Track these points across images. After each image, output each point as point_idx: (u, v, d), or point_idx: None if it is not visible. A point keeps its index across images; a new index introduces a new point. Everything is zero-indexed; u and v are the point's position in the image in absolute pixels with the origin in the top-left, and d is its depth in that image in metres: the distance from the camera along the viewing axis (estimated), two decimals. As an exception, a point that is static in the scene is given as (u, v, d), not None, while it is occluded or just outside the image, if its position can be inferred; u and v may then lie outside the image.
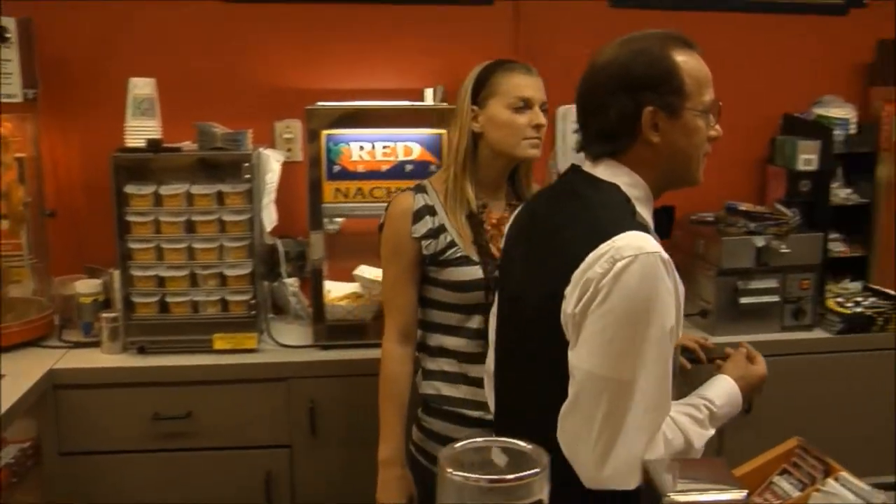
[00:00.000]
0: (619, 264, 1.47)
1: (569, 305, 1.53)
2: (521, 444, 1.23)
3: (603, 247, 1.50)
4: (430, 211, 2.19)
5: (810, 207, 3.09)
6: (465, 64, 3.20)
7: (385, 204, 2.27)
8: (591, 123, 1.67)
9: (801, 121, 3.26)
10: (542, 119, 2.17)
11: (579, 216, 1.62)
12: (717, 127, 1.66)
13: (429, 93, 3.01)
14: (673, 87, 1.59)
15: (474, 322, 2.19)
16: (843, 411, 2.94)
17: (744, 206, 3.17)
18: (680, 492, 1.25)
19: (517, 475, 1.18)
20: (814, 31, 3.41)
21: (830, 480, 1.51)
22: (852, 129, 3.28)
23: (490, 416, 1.98)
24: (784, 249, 2.89)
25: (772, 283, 2.93)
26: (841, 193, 3.30)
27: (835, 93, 3.34)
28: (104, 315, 2.74)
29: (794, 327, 2.96)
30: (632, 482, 1.48)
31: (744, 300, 2.93)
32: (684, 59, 1.61)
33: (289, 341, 2.82)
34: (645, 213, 1.65)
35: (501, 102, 2.15)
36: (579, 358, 1.53)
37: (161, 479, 2.67)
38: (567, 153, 3.18)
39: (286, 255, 2.94)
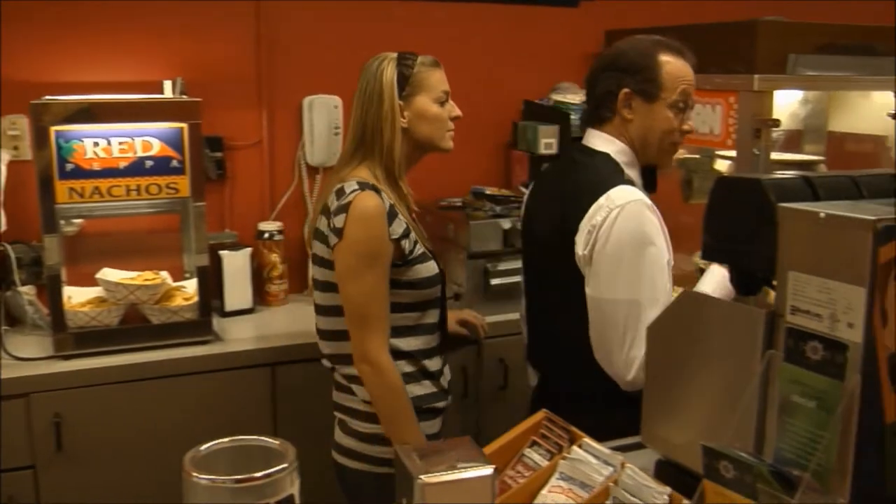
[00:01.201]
0: (614, 212, 1.95)
1: (579, 248, 2.00)
2: (268, 440, 1.20)
3: (601, 200, 1.97)
4: (395, 210, 2.11)
5: (552, 189, 3.22)
6: (204, 56, 3.12)
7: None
8: (589, 96, 2.17)
9: (540, 107, 3.39)
10: (459, 110, 2.23)
11: (581, 178, 2.09)
12: (691, 123, 2.12)
13: (168, 85, 2.89)
14: (649, 77, 2.05)
15: (430, 317, 2.20)
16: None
17: (489, 191, 3.27)
18: (430, 473, 1.27)
19: (265, 472, 1.15)
20: (549, 22, 3.58)
21: (575, 447, 1.58)
22: (587, 114, 3.47)
23: (442, 404, 2.25)
24: (530, 231, 3.01)
25: (519, 264, 3.03)
26: (579, 175, 3.48)
27: (570, 80, 3.51)
28: None
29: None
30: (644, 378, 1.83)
31: (494, 281, 3.00)
32: (667, 60, 2.06)
33: (27, 354, 2.62)
34: (633, 174, 2.11)
35: (430, 97, 2.17)
36: (596, 290, 1.99)
37: None
38: (315, 142, 3.17)
39: (18, 261, 2.74)
